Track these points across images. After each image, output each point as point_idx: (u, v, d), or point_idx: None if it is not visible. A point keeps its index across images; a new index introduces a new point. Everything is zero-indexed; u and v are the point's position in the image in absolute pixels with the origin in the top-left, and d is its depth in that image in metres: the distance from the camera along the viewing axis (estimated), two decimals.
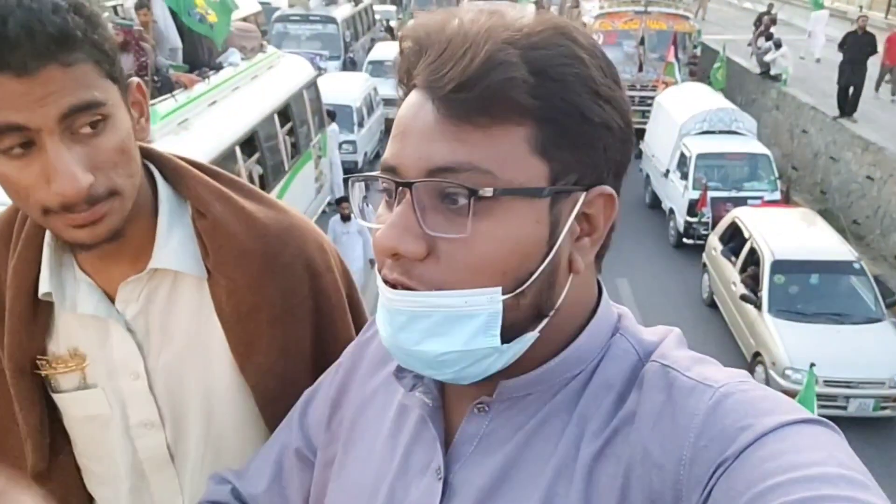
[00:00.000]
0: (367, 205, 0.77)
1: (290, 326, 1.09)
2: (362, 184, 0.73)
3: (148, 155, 1.04)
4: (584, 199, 0.66)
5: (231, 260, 1.04)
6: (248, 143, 7.04)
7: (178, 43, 7.08)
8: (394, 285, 0.65)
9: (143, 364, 1.05)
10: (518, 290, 0.64)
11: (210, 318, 1.05)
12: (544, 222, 0.64)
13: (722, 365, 0.68)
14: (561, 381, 0.69)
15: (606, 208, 0.68)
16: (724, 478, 0.56)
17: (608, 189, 0.67)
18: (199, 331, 1.06)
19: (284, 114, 8.23)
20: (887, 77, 13.34)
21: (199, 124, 6.33)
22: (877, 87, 13.28)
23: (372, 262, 6.86)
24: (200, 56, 7.28)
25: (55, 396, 1.08)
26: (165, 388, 1.07)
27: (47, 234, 1.01)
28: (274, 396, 1.08)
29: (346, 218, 7.55)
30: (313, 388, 0.97)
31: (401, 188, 0.64)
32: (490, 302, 0.63)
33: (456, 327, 0.64)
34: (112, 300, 1.03)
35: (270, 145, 7.62)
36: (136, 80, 0.97)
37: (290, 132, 8.37)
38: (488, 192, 0.61)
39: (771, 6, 17.29)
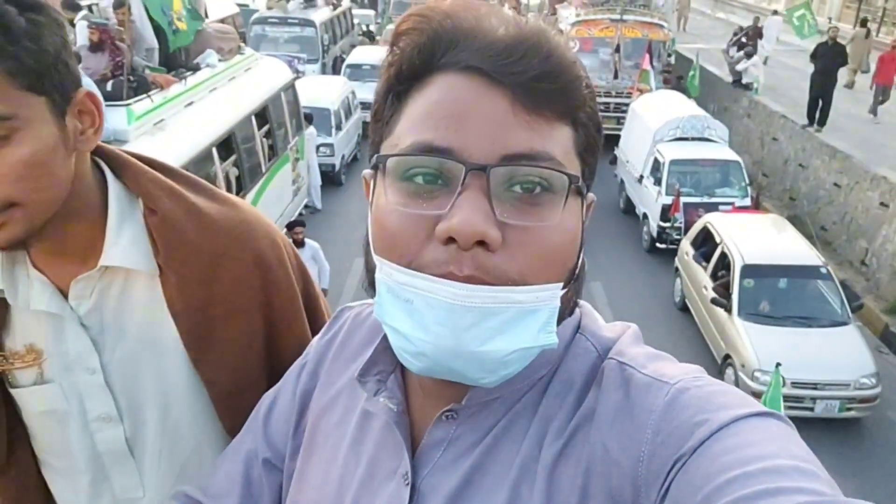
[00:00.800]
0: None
1: (241, 320, 1.09)
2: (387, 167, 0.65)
3: (99, 152, 1.04)
4: (586, 204, 0.69)
5: (181, 256, 1.04)
6: (225, 145, 7.03)
7: (155, 43, 7.05)
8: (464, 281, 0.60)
9: (99, 359, 1.05)
10: (569, 285, 0.65)
11: (163, 313, 1.05)
12: (580, 221, 0.66)
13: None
14: (528, 382, 0.69)
15: (588, 215, 0.70)
16: (682, 473, 0.57)
17: (593, 197, 0.71)
18: (152, 326, 1.06)
19: (262, 116, 8.22)
20: (881, 97, 13.12)
21: (176, 125, 6.31)
22: (873, 111, 13.07)
23: (325, 291, 6.39)
24: (177, 57, 7.26)
25: (13, 392, 1.08)
26: (122, 383, 1.07)
27: None
28: (228, 390, 1.10)
29: (299, 244, 6.90)
30: (275, 391, 0.94)
31: (473, 172, 0.60)
32: (552, 297, 0.63)
33: (521, 324, 0.61)
34: (66, 296, 1.03)
35: (247, 147, 7.60)
36: (84, 89, 0.96)
37: (268, 134, 8.36)
38: (579, 182, 0.63)
39: (757, 19, 17.63)
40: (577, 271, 0.67)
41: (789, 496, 0.51)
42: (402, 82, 0.66)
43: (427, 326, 0.61)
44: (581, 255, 0.67)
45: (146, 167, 1.07)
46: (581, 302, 0.74)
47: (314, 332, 1.16)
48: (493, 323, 0.60)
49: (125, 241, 1.02)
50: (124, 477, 1.12)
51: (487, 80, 0.61)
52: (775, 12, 19.33)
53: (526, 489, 0.65)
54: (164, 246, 1.03)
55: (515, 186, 0.61)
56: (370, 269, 0.67)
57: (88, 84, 5.56)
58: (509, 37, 0.62)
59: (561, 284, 0.64)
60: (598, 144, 0.68)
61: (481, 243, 0.59)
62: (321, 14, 16.14)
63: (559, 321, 0.66)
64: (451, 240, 0.60)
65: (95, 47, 6.22)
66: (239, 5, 14.87)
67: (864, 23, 15.96)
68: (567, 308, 0.68)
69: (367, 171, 0.71)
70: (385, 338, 0.73)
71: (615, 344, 0.71)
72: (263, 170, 8.01)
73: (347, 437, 0.78)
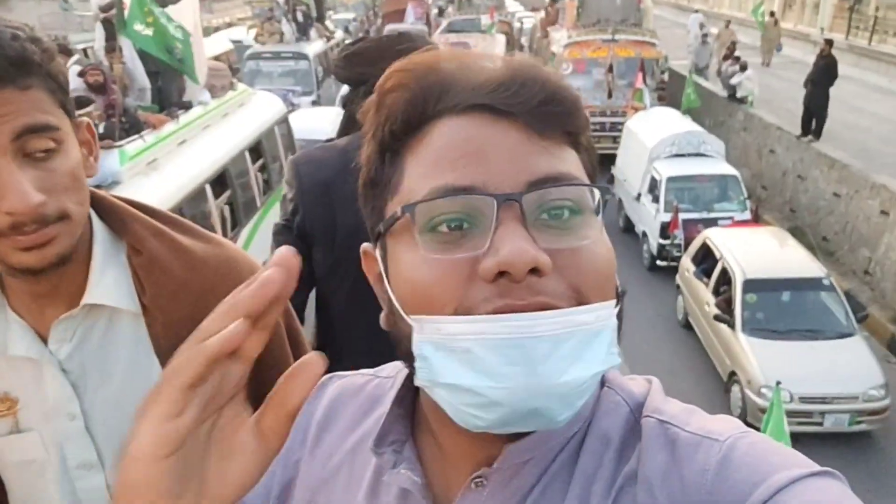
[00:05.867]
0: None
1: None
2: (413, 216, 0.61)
3: None
4: None
5: (167, 294, 1.04)
6: (220, 181, 7.04)
7: (147, 83, 7.10)
8: (520, 310, 0.56)
9: (79, 404, 1.04)
10: (619, 302, 0.63)
11: (148, 353, 1.05)
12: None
13: (698, 394, 0.66)
14: (562, 440, 0.65)
15: None
16: None
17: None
18: (137, 367, 1.05)
19: (256, 150, 8.24)
20: None
21: (169, 164, 6.31)
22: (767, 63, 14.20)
23: None
24: (171, 95, 7.31)
25: None
26: (104, 428, 1.06)
27: None
28: None
29: None
30: None
31: (506, 203, 0.57)
32: (610, 315, 0.60)
33: (591, 347, 0.58)
34: (45, 341, 1.03)
35: (242, 182, 7.62)
36: (85, 119, 1.01)
37: (262, 168, 8.38)
38: (607, 196, 0.62)
39: (728, 22, 18.49)
40: (619, 287, 0.65)
41: None
42: (397, 139, 0.63)
43: (495, 372, 0.56)
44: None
45: (131, 208, 1.09)
46: None
47: None
48: (566, 350, 0.56)
49: (109, 281, 1.03)
50: None
51: (493, 114, 0.60)
52: (696, 11, 22.94)
53: None
54: (150, 285, 1.04)
55: (543, 215, 0.59)
56: (403, 338, 0.62)
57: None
58: (501, 72, 0.62)
59: (614, 302, 0.61)
60: (593, 165, 0.67)
61: (533, 271, 0.56)
62: (314, 47, 16.29)
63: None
64: (500, 274, 0.56)
65: (96, 88, 6.29)
66: (233, 42, 15.04)
67: (772, 13, 19.91)
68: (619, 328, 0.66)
69: (366, 245, 0.68)
70: (395, 405, 0.70)
71: (646, 399, 0.67)
72: (258, 204, 8.02)
73: None
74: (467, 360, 0.57)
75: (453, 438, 0.65)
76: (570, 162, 0.62)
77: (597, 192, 0.62)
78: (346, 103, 2.15)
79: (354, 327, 1.93)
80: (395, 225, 0.62)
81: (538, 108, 0.60)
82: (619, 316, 0.64)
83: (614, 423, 0.66)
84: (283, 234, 1.97)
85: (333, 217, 1.92)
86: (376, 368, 0.83)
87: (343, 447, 0.77)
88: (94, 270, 1.02)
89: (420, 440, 0.71)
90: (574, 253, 0.59)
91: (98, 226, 1.05)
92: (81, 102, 5.63)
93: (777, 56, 19.22)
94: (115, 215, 1.07)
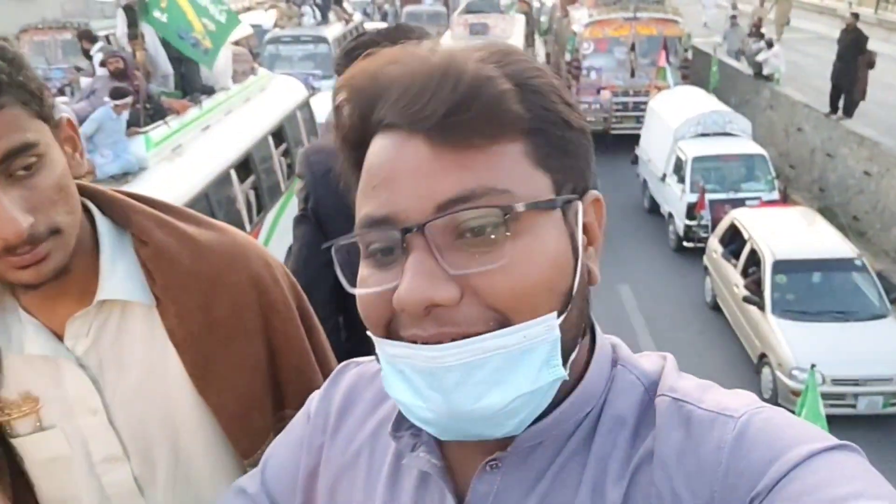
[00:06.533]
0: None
1: (243, 343, 1.09)
2: (344, 250, 0.64)
3: (84, 191, 1.04)
4: (581, 208, 0.64)
5: (177, 284, 1.04)
6: (244, 166, 7.05)
7: (170, 69, 7.12)
8: (435, 342, 0.58)
9: (100, 399, 1.04)
10: (568, 309, 0.61)
11: (164, 344, 1.05)
12: (564, 234, 0.62)
13: (728, 376, 0.65)
14: (574, 421, 0.65)
15: (598, 214, 0.67)
16: None
17: (597, 193, 0.66)
18: (154, 358, 1.05)
19: (279, 135, 8.24)
20: None
21: (193, 149, 6.34)
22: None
23: None
24: (197, 80, 7.31)
25: (13, 441, 1.06)
26: (126, 421, 1.06)
27: None
28: (236, 414, 1.09)
29: None
30: (275, 445, 0.88)
31: (410, 234, 0.57)
32: (547, 330, 0.59)
33: (518, 368, 0.58)
34: (60, 338, 1.02)
35: (266, 167, 7.62)
36: (65, 116, 0.98)
37: (286, 153, 8.38)
38: (521, 207, 0.58)
39: (734, 4, 18.01)
40: (573, 291, 0.62)
41: None
42: (353, 151, 0.65)
43: (422, 394, 0.60)
44: (578, 268, 0.62)
45: (132, 201, 1.07)
46: (607, 336, 0.71)
47: (312, 347, 1.19)
48: (482, 376, 0.57)
49: (120, 274, 1.02)
50: None
51: (405, 132, 0.59)
52: None
53: None
54: (160, 276, 1.03)
55: (466, 233, 0.58)
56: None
57: (107, 112, 5.62)
58: (417, 80, 0.59)
59: (555, 314, 0.59)
60: (572, 142, 0.63)
61: (437, 305, 0.57)
62: (334, 30, 16.22)
63: (572, 348, 0.63)
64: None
65: (118, 76, 6.33)
66: (252, 25, 15.02)
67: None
68: (577, 333, 0.64)
69: None
70: None
71: (660, 377, 0.67)
72: (283, 188, 8.03)
73: (378, 498, 0.73)
74: (405, 379, 0.61)
75: None
76: (494, 167, 0.58)
77: (519, 205, 0.58)
78: None
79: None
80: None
81: (445, 119, 0.57)
82: (581, 305, 0.64)
83: (629, 403, 0.66)
84: (302, 224, 2.02)
85: (345, 204, 1.93)
86: None
87: (363, 432, 0.78)
88: (104, 265, 1.01)
89: None
90: (489, 276, 0.57)
91: (101, 220, 1.04)
92: (120, 93, 5.71)
93: (801, 32, 18.82)
94: (117, 208, 1.06)
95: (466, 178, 0.58)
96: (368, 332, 0.64)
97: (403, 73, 0.60)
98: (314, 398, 0.86)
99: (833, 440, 0.58)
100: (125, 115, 5.76)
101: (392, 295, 0.59)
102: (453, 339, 0.57)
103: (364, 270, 0.63)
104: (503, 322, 0.58)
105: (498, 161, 0.59)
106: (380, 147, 0.61)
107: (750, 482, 0.56)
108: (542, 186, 0.61)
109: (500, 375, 0.58)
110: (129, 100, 5.74)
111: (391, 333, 0.61)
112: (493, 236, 0.58)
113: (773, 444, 0.57)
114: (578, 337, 0.65)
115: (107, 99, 5.74)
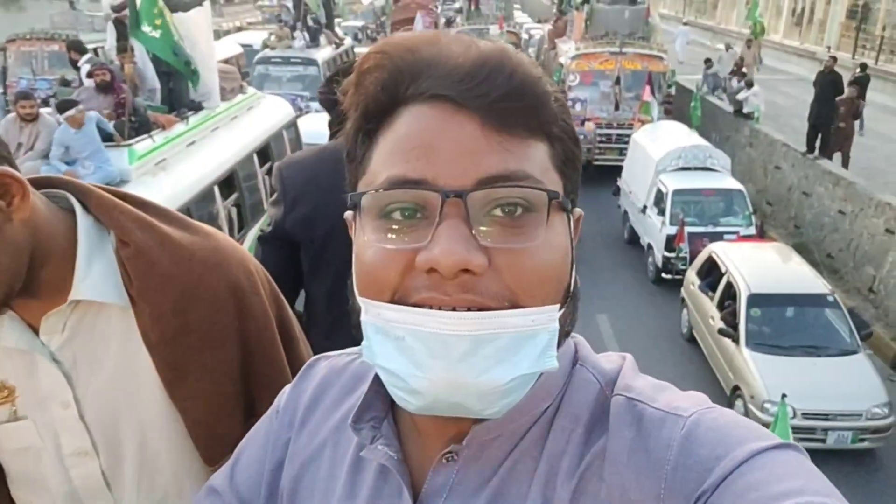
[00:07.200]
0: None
1: (216, 350, 1.10)
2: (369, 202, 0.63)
3: (72, 188, 1.05)
4: (573, 220, 0.67)
5: (154, 286, 1.04)
6: (227, 183, 7.05)
7: (157, 84, 7.13)
8: (451, 308, 0.58)
9: (72, 393, 1.05)
10: (565, 305, 0.64)
11: (137, 345, 1.06)
12: (568, 237, 0.65)
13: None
14: (530, 417, 0.66)
15: (577, 231, 0.69)
16: None
17: (581, 211, 0.69)
18: (127, 358, 1.06)
19: (264, 153, 8.26)
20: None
21: (178, 164, 6.33)
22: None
23: None
24: (185, 96, 7.33)
25: None
26: (96, 416, 1.07)
27: None
28: (203, 419, 1.10)
29: None
30: (244, 441, 0.89)
31: (449, 199, 0.58)
32: (549, 320, 0.61)
33: (521, 350, 0.59)
34: (37, 332, 1.04)
35: (250, 185, 7.63)
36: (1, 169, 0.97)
37: (270, 171, 8.40)
38: (562, 198, 0.62)
39: (728, 46, 18.30)
40: (571, 290, 0.65)
41: None
42: (370, 120, 0.65)
43: (421, 362, 0.59)
44: (573, 272, 0.66)
45: (117, 200, 1.08)
46: (574, 335, 0.73)
47: (290, 358, 1.19)
48: (489, 351, 0.58)
49: (96, 275, 1.03)
50: None
51: (453, 105, 0.60)
52: (685, 23, 25.50)
53: None
54: (137, 277, 1.04)
55: (496, 210, 0.60)
56: (356, 312, 0.65)
57: (97, 117, 5.59)
58: (470, 60, 0.61)
59: (557, 306, 0.62)
60: (578, 157, 0.67)
61: (466, 271, 0.58)
62: (323, 53, 16.33)
63: (559, 345, 0.64)
64: (433, 270, 0.58)
65: (104, 88, 6.32)
66: (242, 45, 15.09)
67: (747, 40, 18.89)
68: (567, 329, 0.67)
69: (348, 213, 0.69)
70: (375, 382, 0.71)
71: (618, 376, 0.69)
72: (266, 206, 8.04)
73: (338, 491, 0.74)
74: (400, 346, 0.60)
75: (425, 415, 0.66)
76: (530, 158, 0.61)
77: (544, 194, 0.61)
78: (329, 126, 2.21)
79: (339, 327, 1.96)
80: (360, 204, 0.63)
81: (498, 102, 0.60)
82: (574, 307, 0.66)
83: (584, 401, 0.67)
84: (267, 243, 2.08)
85: (314, 217, 1.99)
86: (359, 347, 0.84)
87: (328, 425, 0.79)
88: (80, 265, 1.02)
89: (399, 417, 0.73)
90: (515, 254, 0.59)
91: (83, 219, 1.04)
92: (64, 106, 5.59)
93: (781, 73, 19.22)
94: (103, 208, 1.06)
95: (510, 160, 0.60)
96: (359, 300, 0.63)
97: (452, 53, 0.62)
98: (284, 393, 0.87)
99: (777, 439, 0.59)
100: (91, 125, 5.64)
101: (411, 256, 0.60)
102: (468, 309, 0.58)
103: (373, 234, 0.62)
104: (514, 304, 0.59)
105: (533, 154, 0.62)
106: (418, 115, 0.62)
107: (697, 479, 0.58)
108: (560, 189, 0.64)
109: (506, 354, 0.59)
110: (73, 112, 5.60)
111: (394, 300, 0.61)
112: (524, 219, 0.60)
113: (721, 442, 0.59)
114: (564, 336, 0.67)
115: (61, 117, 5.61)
